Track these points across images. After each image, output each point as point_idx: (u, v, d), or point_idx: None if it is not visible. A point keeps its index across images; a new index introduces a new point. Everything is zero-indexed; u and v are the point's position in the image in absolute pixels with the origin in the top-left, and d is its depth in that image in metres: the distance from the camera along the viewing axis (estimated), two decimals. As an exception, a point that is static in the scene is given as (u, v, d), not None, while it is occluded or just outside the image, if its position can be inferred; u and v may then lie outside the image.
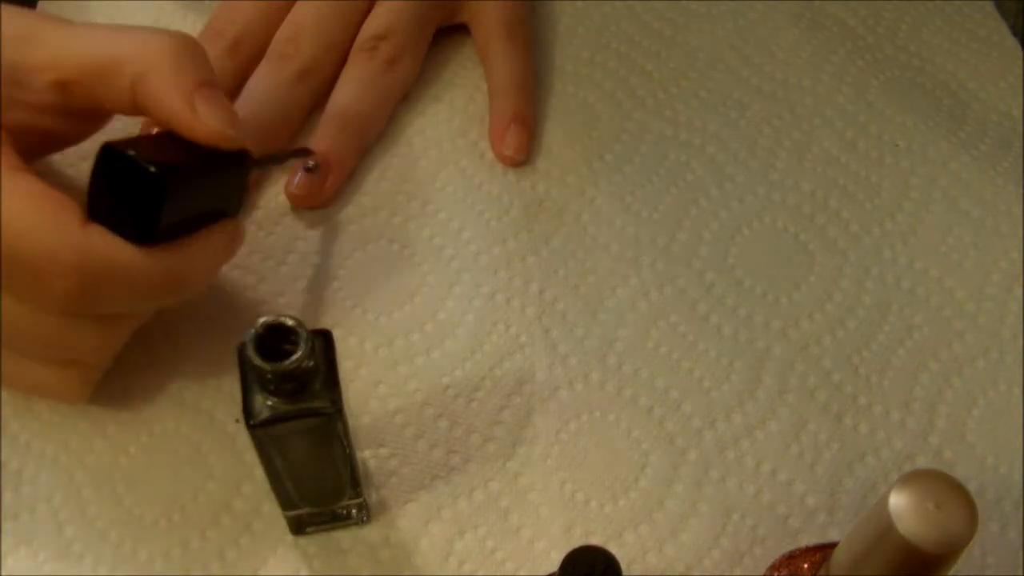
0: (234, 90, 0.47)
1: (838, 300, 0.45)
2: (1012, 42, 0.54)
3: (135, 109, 0.38)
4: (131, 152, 0.35)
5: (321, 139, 0.46)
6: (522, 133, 0.48)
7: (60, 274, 0.34)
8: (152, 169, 0.35)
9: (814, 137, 0.50)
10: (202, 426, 0.41)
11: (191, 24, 0.51)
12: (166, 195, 0.35)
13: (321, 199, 0.46)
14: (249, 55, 0.48)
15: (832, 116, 0.51)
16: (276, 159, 0.45)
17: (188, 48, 0.38)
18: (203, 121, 0.37)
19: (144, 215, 0.36)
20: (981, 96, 0.52)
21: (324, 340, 0.33)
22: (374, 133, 0.49)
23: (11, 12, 0.39)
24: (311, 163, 0.46)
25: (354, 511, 0.39)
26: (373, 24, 0.49)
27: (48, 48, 0.38)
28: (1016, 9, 0.55)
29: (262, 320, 0.31)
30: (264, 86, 0.47)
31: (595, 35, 0.53)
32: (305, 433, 0.34)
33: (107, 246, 0.35)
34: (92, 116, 0.41)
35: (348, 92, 0.48)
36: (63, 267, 0.34)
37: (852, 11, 0.55)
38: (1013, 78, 0.53)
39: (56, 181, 0.37)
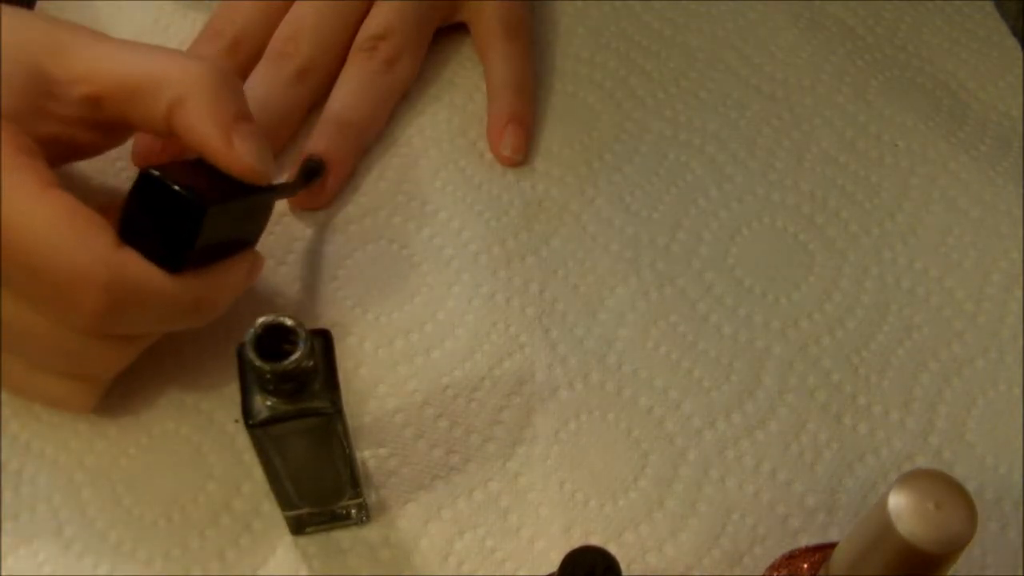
0: None
1: (837, 300, 0.45)
2: (1012, 42, 0.54)
3: (166, 130, 0.38)
4: (171, 180, 0.36)
5: (320, 139, 0.46)
6: (520, 133, 0.48)
7: (90, 292, 0.35)
8: (193, 199, 0.36)
9: (813, 137, 0.50)
10: (202, 426, 0.41)
11: (191, 23, 0.51)
12: (203, 225, 0.36)
13: (320, 201, 0.46)
14: (248, 55, 0.48)
15: (831, 116, 0.51)
16: (290, 189, 0.45)
17: (227, 79, 0.39)
18: (239, 155, 0.38)
19: (178, 242, 0.36)
20: (981, 96, 0.52)
21: (323, 340, 0.33)
22: (373, 133, 0.49)
23: (43, 21, 0.39)
24: (313, 160, 0.45)
25: (354, 511, 0.39)
26: (372, 24, 0.49)
27: (83, 61, 0.38)
28: (1016, 10, 0.55)
29: (261, 320, 0.31)
30: (263, 86, 0.47)
31: (595, 35, 0.53)
32: (304, 433, 0.34)
33: (138, 268, 0.36)
34: (116, 131, 0.41)
35: (347, 92, 0.48)
36: (94, 286, 0.34)
37: (852, 11, 0.55)
38: (1013, 78, 0.53)
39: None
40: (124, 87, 0.38)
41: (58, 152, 0.39)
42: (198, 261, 0.37)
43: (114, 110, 0.38)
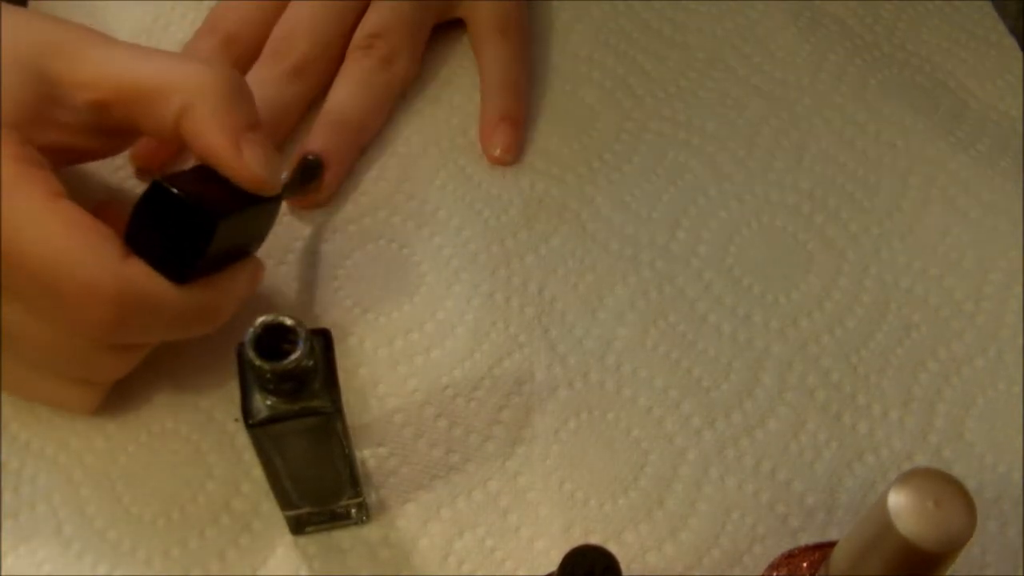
0: None
1: (837, 299, 0.45)
2: (1010, 41, 0.54)
3: (173, 136, 0.38)
4: (182, 191, 0.36)
5: (317, 138, 0.46)
6: (510, 133, 0.48)
7: (98, 304, 0.35)
8: (204, 212, 0.36)
9: (812, 136, 0.50)
10: (201, 425, 0.41)
11: (191, 23, 0.51)
12: (213, 238, 0.36)
13: (318, 199, 0.46)
14: (244, 52, 0.48)
15: (831, 115, 0.51)
16: (286, 191, 0.43)
17: (239, 87, 0.38)
18: (247, 166, 0.38)
19: (186, 253, 0.36)
20: (979, 95, 0.52)
21: (323, 339, 0.33)
22: (371, 132, 0.48)
23: (48, 22, 0.38)
24: (311, 158, 0.45)
25: (353, 511, 0.39)
26: (368, 23, 0.49)
27: (90, 65, 0.38)
28: (1015, 10, 0.55)
29: (261, 320, 0.31)
30: (258, 84, 0.46)
31: (594, 33, 0.53)
32: (304, 432, 0.34)
33: (145, 279, 0.36)
34: (122, 136, 0.41)
35: (344, 91, 0.48)
36: (102, 297, 0.35)
37: (851, 10, 0.55)
38: (1012, 77, 0.53)
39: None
40: (133, 92, 0.38)
41: (61, 157, 0.39)
42: (203, 271, 0.37)
43: (121, 115, 0.38)
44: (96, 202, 0.38)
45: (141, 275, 0.36)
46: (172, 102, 0.37)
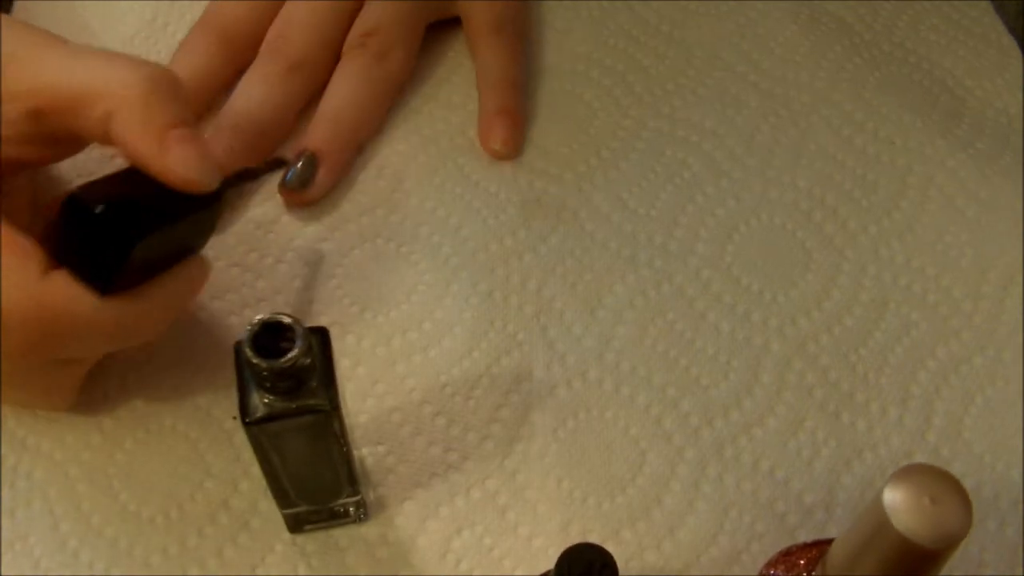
0: (227, 87, 0.48)
1: (835, 297, 0.45)
2: (1009, 41, 0.54)
3: (108, 141, 0.37)
4: (97, 203, 0.34)
5: (314, 134, 0.46)
6: (508, 125, 0.48)
7: (16, 326, 0.34)
8: (121, 228, 0.34)
9: (811, 134, 0.50)
10: (199, 423, 0.41)
11: (189, 22, 0.51)
12: (132, 252, 0.34)
13: (311, 196, 0.46)
14: (241, 52, 0.48)
15: (829, 113, 0.51)
16: (251, 175, 0.42)
17: (162, 85, 0.37)
18: (173, 167, 0.36)
19: (107, 267, 0.35)
20: (978, 94, 0.52)
21: (321, 338, 0.33)
22: (368, 129, 0.49)
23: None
24: (305, 156, 0.45)
25: (352, 509, 0.39)
26: (362, 21, 0.49)
27: (26, 74, 0.36)
28: (1014, 10, 0.55)
29: (259, 318, 0.31)
30: (256, 82, 0.47)
31: (592, 32, 0.53)
32: (302, 431, 0.34)
33: (66, 298, 0.35)
34: (69, 141, 0.39)
35: (340, 87, 0.48)
36: (19, 319, 0.34)
37: (850, 8, 0.55)
38: (1011, 76, 0.53)
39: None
40: (62, 100, 0.36)
41: (7, 168, 0.38)
42: (132, 280, 0.36)
43: (57, 123, 0.37)
44: (53, 198, 0.37)
45: (60, 293, 0.34)
46: (97, 107, 0.36)
